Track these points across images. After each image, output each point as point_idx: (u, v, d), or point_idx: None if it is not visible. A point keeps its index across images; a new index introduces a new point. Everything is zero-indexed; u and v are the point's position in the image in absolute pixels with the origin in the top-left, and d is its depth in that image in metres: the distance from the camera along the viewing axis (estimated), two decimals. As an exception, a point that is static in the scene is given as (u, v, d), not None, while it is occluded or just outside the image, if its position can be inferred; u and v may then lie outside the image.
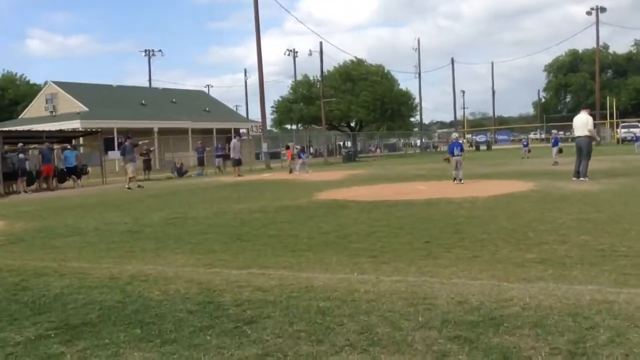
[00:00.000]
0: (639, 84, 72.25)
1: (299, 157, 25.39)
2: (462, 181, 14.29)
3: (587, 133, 13.76)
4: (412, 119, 59.39)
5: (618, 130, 49.49)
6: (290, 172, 24.66)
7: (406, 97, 53.83)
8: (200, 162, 29.77)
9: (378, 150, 52.43)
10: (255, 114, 59.50)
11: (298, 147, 29.04)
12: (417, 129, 63.97)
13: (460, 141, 15.73)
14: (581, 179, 13.40)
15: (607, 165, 18.47)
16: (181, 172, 27.60)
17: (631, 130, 46.66)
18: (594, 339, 3.32)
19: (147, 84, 59.86)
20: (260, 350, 3.40)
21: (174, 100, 47.41)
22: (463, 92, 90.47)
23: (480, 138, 63.57)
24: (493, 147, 56.97)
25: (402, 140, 60.49)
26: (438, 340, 3.43)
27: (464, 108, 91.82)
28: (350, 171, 24.65)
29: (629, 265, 5.07)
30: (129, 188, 18.93)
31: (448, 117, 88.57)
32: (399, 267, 5.45)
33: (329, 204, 11.30)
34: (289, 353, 3.33)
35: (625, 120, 53.14)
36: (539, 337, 3.39)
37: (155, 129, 37.77)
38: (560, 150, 22.01)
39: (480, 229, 7.40)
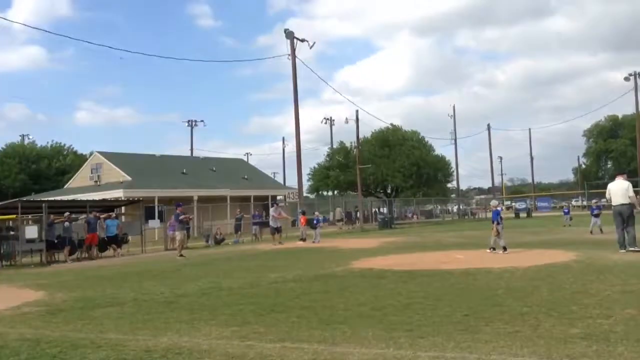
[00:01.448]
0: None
1: (315, 223, 24.91)
2: (505, 250, 14.03)
3: (628, 200, 13.25)
4: (448, 185, 59.23)
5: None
6: (303, 240, 24.31)
7: (442, 162, 53.95)
8: (237, 230, 30.04)
9: (415, 216, 52.00)
10: (292, 181, 60.19)
11: (317, 213, 28.55)
12: (454, 195, 63.53)
13: (499, 209, 15.52)
14: (630, 249, 12.73)
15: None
16: (218, 240, 27.85)
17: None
18: None
19: (188, 153, 61.69)
20: None
21: (213, 168, 48.54)
22: (500, 158, 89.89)
23: (520, 205, 62.55)
24: (533, 214, 55.90)
25: (439, 207, 60.02)
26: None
27: (502, 174, 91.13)
28: (386, 238, 24.47)
29: (679, 343, 4.84)
30: (181, 256, 18.94)
31: (485, 183, 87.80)
32: (437, 342, 5.32)
33: (365, 273, 11.20)
34: None
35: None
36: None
37: (195, 197, 38.54)
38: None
39: (520, 302, 7.20)
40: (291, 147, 71.65)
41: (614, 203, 13.46)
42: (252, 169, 55.92)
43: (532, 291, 8.02)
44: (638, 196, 13.76)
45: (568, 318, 6.10)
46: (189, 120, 66.96)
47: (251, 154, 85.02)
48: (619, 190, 13.36)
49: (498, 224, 14.38)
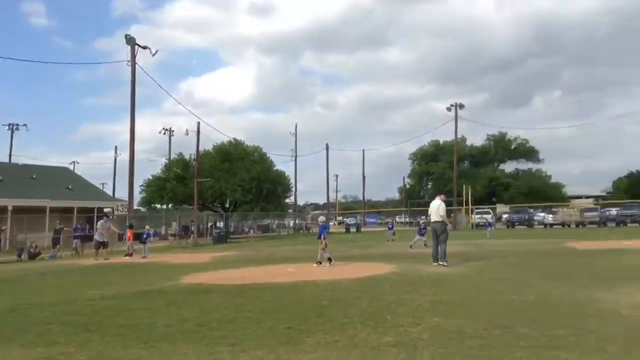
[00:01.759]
0: (491, 173, 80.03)
1: (145, 237, 23.73)
2: (330, 261, 14.58)
3: (440, 218, 14.48)
4: (287, 200, 60.35)
5: (473, 216, 53.73)
6: (129, 255, 22.89)
7: (282, 178, 54.88)
8: (55, 243, 27.44)
9: (251, 231, 52.12)
10: (122, 193, 56.93)
11: (148, 227, 27.10)
12: (291, 210, 64.89)
13: (330, 224, 16.20)
14: (440, 263, 13.89)
15: (462, 249, 19.79)
16: (32, 255, 25.28)
17: (484, 216, 50.88)
18: None
19: (6, 159, 55.60)
20: None
21: (34, 176, 44.26)
22: (336, 176, 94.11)
23: (351, 220, 65.76)
24: (362, 229, 59.07)
25: (276, 222, 60.88)
26: None
27: (336, 191, 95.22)
28: (219, 253, 24.14)
29: (474, 347, 5.34)
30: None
31: (321, 199, 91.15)
32: (258, 356, 5.30)
33: (193, 289, 10.88)
34: None
35: (479, 207, 57.98)
36: None
37: (10, 207, 34.77)
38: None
39: (342, 313, 7.48)
40: (124, 156, 67.93)
41: (431, 220, 14.76)
42: (77, 179, 51.90)
43: (353, 302, 8.38)
44: (452, 214, 15.20)
45: (382, 327, 6.45)
46: (9, 124, 60.61)
47: (78, 163, 78.82)
48: (434, 208, 14.63)
49: (324, 238, 14.90)
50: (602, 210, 50.69)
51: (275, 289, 10.45)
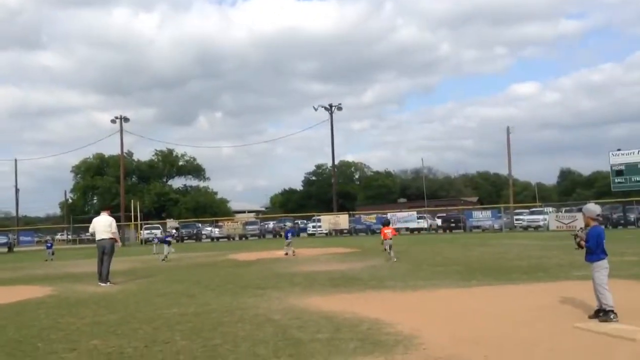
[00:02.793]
0: (160, 189, 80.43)
1: None
2: None
3: (110, 235, 13.71)
4: None
5: (142, 231, 52.98)
6: None
7: None
8: None
9: None
10: None
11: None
12: None
13: None
14: (106, 283, 13.09)
15: (129, 266, 19.26)
16: None
17: (152, 231, 50.68)
18: None
19: None
20: None
21: None
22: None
23: (1, 239, 57.69)
24: (15, 249, 52.45)
25: None
26: None
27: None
28: None
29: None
30: None
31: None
32: None
33: None
34: None
35: (149, 222, 57.54)
36: None
37: None
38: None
39: (-21, 346, 6.43)
40: None
41: (97, 237, 13.72)
42: None
43: (-4, 332, 7.31)
44: (120, 231, 14.43)
45: (31, 356, 5.81)
46: None
47: None
48: (102, 225, 13.72)
49: None
50: (261, 224, 55.88)
51: None
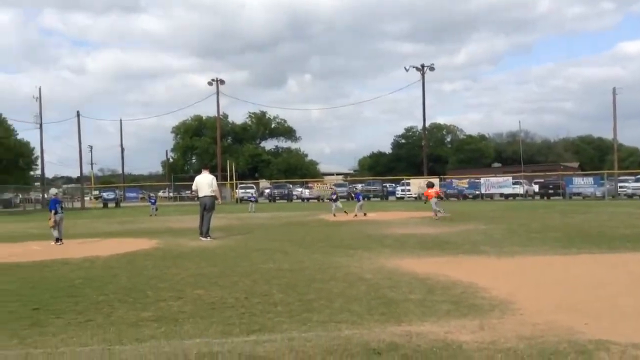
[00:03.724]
0: (253, 150, 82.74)
1: None
2: (59, 242, 13.55)
3: (212, 193, 14.28)
4: (32, 173, 54.30)
5: (237, 191, 55.03)
6: None
7: (25, 148, 49.07)
8: None
9: (-11, 206, 45.85)
10: None
11: None
12: (38, 184, 58.55)
13: (60, 197, 15.08)
14: (207, 238, 13.70)
15: (226, 223, 20.16)
16: None
17: (247, 191, 52.49)
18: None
19: None
20: None
21: None
22: (91, 147, 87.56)
23: (109, 195, 62.04)
24: (122, 204, 56.27)
25: (20, 196, 54.38)
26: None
27: (92, 163, 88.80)
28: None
29: (234, 316, 5.49)
30: None
31: (74, 173, 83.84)
32: (-5, 343, 4.70)
33: None
34: None
35: (243, 182, 59.59)
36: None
37: None
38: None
39: (97, 291, 7.04)
40: None
41: (199, 195, 14.40)
42: None
43: (110, 279, 7.96)
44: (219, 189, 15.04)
45: (142, 303, 6.25)
46: None
47: None
48: (204, 182, 14.33)
49: (56, 213, 13.75)
50: (350, 186, 56.26)
51: (17, 268, 9.41)
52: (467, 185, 48.78)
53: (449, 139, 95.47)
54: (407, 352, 4.16)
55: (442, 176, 56.49)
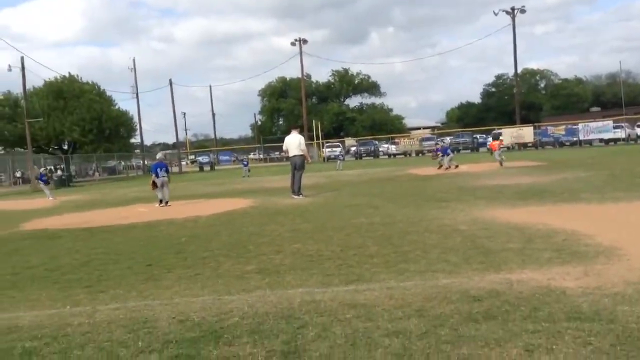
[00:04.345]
0: (337, 108, 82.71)
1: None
2: (169, 203, 14.28)
3: (301, 152, 14.53)
4: (132, 141, 57.46)
5: (324, 150, 55.59)
6: None
7: (124, 117, 51.87)
8: None
9: (96, 173, 49.16)
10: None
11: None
12: (138, 151, 62.01)
13: (166, 162, 15.84)
14: (299, 196, 14.04)
15: (315, 181, 20.51)
16: None
17: (334, 149, 52.88)
18: (303, 337, 3.60)
19: None
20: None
21: None
22: (184, 113, 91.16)
23: (204, 159, 64.70)
24: (216, 167, 58.54)
25: (122, 163, 57.96)
26: (158, 363, 3.33)
27: (186, 129, 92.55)
28: (63, 197, 22.57)
29: (332, 267, 5.67)
30: None
31: (170, 139, 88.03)
32: (118, 294, 5.16)
33: (38, 235, 10.16)
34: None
35: (329, 140, 60.02)
36: (257, 343, 3.54)
37: None
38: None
39: (202, 247, 7.48)
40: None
41: (289, 155, 14.70)
42: None
43: (213, 237, 8.40)
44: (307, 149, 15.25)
45: (245, 257, 6.58)
46: None
47: None
48: (293, 143, 14.56)
49: (157, 176, 14.37)
50: (438, 140, 55.11)
51: (128, 229, 10.13)
52: (563, 132, 46.41)
53: (542, 85, 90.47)
54: (508, 298, 4.14)
55: (536, 124, 53.94)
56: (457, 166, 22.34)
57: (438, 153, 24.11)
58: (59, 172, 40.64)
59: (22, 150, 45.41)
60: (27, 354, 3.63)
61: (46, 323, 4.29)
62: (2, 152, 49.84)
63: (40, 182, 22.75)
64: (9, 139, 46.19)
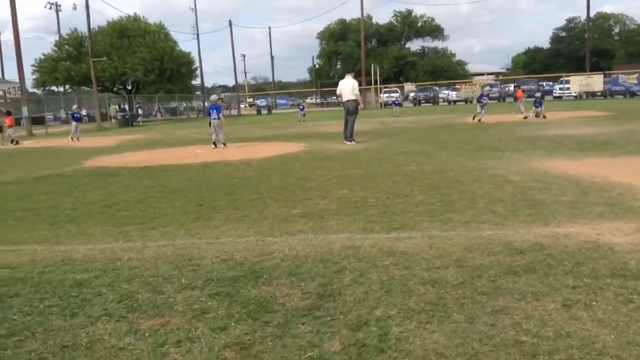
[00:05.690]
0: (398, 52, 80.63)
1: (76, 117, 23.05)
2: (226, 145, 14.53)
3: (354, 97, 14.27)
4: (193, 82, 58.31)
5: (381, 95, 54.73)
6: (15, 142, 21.85)
7: (186, 58, 52.46)
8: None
9: (158, 114, 50.47)
10: (12, 74, 52.61)
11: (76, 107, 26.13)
12: (198, 93, 63.03)
13: (220, 104, 15.90)
14: (351, 142, 14.00)
15: (370, 127, 20.34)
16: None
17: (392, 95, 51.99)
18: (339, 281, 3.66)
19: None
20: (4, 330, 3.09)
21: None
22: (243, 56, 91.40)
23: (262, 102, 65.12)
24: (273, 111, 58.87)
25: (183, 104, 59.15)
26: (200, 299, 3.47)
27: (245, 72, 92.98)
28: (126, 137, 23.39)
29: (376, 214, 5.68)
30: None
31: (229, 81, 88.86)
32: (167, 232, 5.36)
33: (98, 172, 10.63)
34: (37, 330, 3.09)
35: (387, 86, 58.95)
36: (294, 284, 3.63)
37: None
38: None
39: (252, 189, 7.62)
40: (9, 35, 61.74)
41: (343, 99, 14.53)
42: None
43: (263, 180, 8.54)
44: (362, 94, 15.04)
45: (292, 201, 6.67)
46: None
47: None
48: (346, 88, 14.31)
49: (217, 118, 14.64)
50: (502, 87, 53.18)
51: (184, 169, 10.41)
52: (635, 81, 43.78)
53: (616, 30, 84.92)
54: (552, 252, 4.05)
55: (606, 72, 51.05)
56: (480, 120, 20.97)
57: (483, 99, 22.93)
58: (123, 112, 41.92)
59: (88, 89, 46.88)
60: (77, 285, 3.85)
61: (98, 257, 4.53)
62: (70, 90, 51.66)
63: (72, 120, 23.31)
64: (75, 79, 47.69)
